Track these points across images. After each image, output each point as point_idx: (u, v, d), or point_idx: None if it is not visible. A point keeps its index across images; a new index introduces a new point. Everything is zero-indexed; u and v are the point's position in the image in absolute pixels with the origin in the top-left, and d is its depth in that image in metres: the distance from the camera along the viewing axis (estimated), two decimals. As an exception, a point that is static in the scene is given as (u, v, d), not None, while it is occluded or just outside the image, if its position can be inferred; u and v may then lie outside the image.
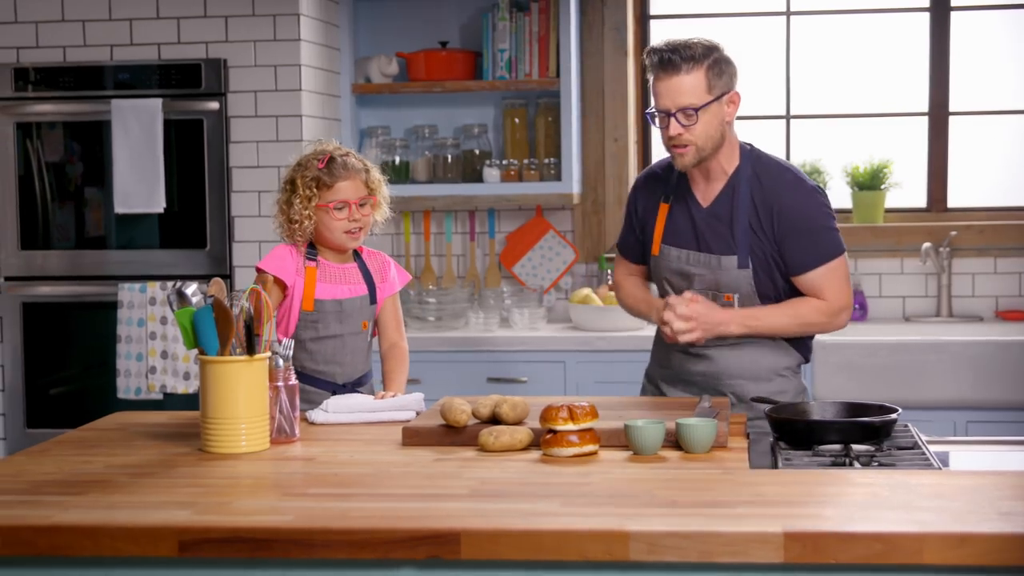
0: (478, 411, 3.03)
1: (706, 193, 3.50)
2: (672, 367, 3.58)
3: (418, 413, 3.30)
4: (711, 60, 3.37)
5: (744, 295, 3.46)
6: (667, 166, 3.60)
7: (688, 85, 3.36)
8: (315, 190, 3.50)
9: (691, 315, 3.37)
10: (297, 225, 3.51)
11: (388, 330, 3.67)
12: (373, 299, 3.61)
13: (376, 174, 3.61)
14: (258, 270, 3.53)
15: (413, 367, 4.75)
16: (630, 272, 3.74)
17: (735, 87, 3.44)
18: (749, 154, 3.51)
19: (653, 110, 3.43)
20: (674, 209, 3.54)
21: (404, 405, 3.33)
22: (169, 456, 2.91)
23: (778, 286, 3.48)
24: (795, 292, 3.50)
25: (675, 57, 3.35)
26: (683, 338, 3.39)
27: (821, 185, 3.55)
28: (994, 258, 5.31)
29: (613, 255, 4.48)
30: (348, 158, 3.56)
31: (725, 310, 3.42)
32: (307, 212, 3.50)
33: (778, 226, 3.42)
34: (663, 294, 3.58)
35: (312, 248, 3.58)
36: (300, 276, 3.54)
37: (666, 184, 3.58)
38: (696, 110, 3.35)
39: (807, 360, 3.60)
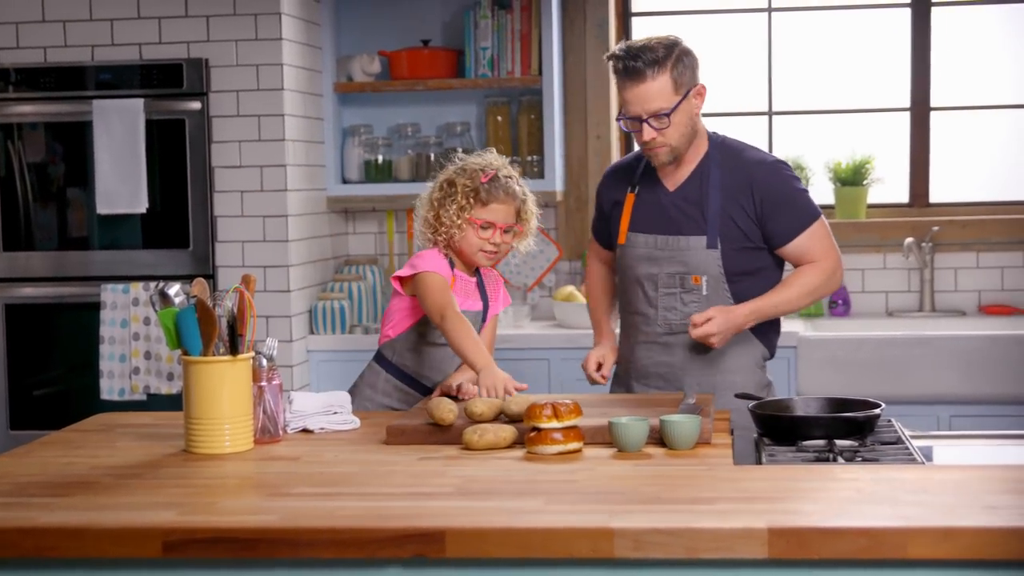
0: (470, 410, 3.00)
1: (675, 178, 3.53)
2: (637, 361, 3.58)
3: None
4: (673, 59, 3.39)
5: (712, 276, 3.47)
6: (635, 157, 3.63)
7: (656, 90, 3.38)
8: (471, 201, 3.42)
9: (713, 331, 3.38)
10: (444, 228, 3.45)
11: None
12: (484, 317, 3.54)
13: (532, 206, 3.52)
14: (420, 273, 3.40)
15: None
16: (600, 258, 3.78)
17: (699, 79, 3.46)
18: (715, 140, 3.56)
19: (624, 116, 3.45)
20: (641, 196, 3.56)
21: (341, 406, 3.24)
22: (153, 457, 2.90)
23: (750, 265, 3.50)
24: (771, 268, 3.54)
25: (638, 64, 3.37)
26: (713, 343, 3.42)
27: (804, 181, 3.62)
28: (976, 253, 5.32)
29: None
30: (511, 182, 3.47)
31: (736, 309, 3.43)
32: (458, 220, 3.43)
33: (759, 204, 3.46)
34: (629, 284, 3.57)
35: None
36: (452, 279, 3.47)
37: (632, 174, 3.60)
38: (667, 114, 3.38)
39: (772, 355, 3.62)
